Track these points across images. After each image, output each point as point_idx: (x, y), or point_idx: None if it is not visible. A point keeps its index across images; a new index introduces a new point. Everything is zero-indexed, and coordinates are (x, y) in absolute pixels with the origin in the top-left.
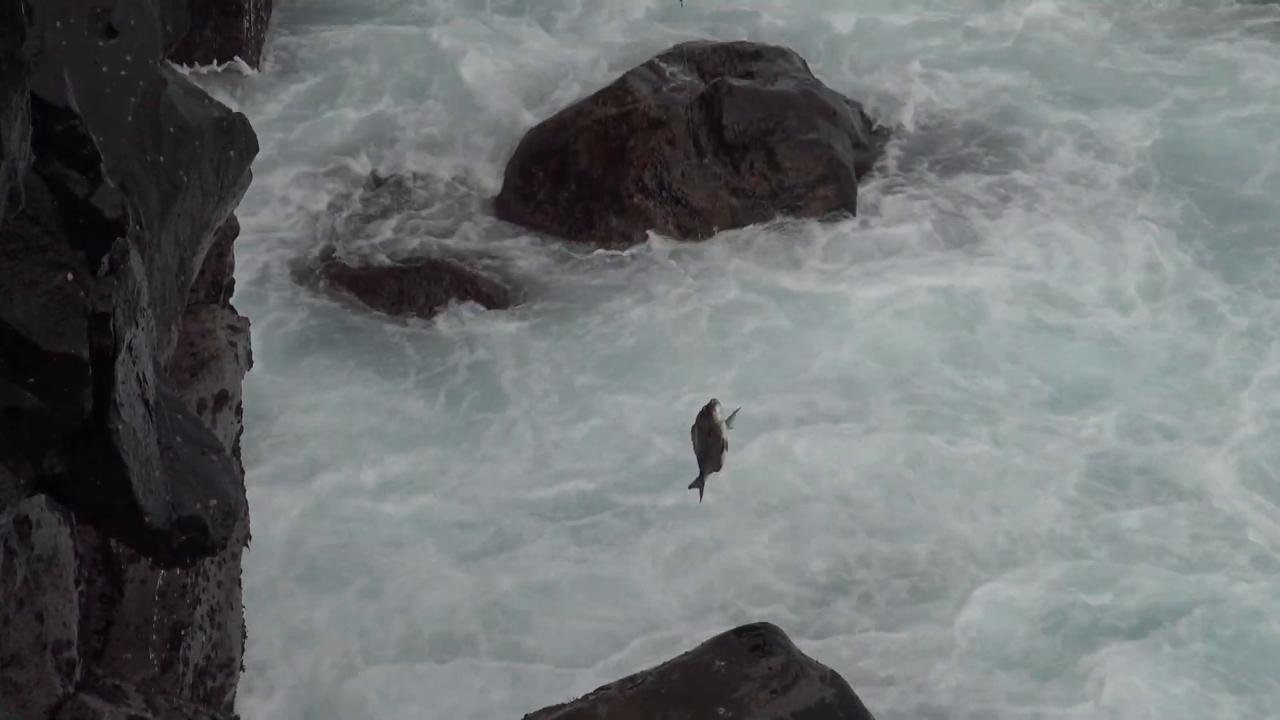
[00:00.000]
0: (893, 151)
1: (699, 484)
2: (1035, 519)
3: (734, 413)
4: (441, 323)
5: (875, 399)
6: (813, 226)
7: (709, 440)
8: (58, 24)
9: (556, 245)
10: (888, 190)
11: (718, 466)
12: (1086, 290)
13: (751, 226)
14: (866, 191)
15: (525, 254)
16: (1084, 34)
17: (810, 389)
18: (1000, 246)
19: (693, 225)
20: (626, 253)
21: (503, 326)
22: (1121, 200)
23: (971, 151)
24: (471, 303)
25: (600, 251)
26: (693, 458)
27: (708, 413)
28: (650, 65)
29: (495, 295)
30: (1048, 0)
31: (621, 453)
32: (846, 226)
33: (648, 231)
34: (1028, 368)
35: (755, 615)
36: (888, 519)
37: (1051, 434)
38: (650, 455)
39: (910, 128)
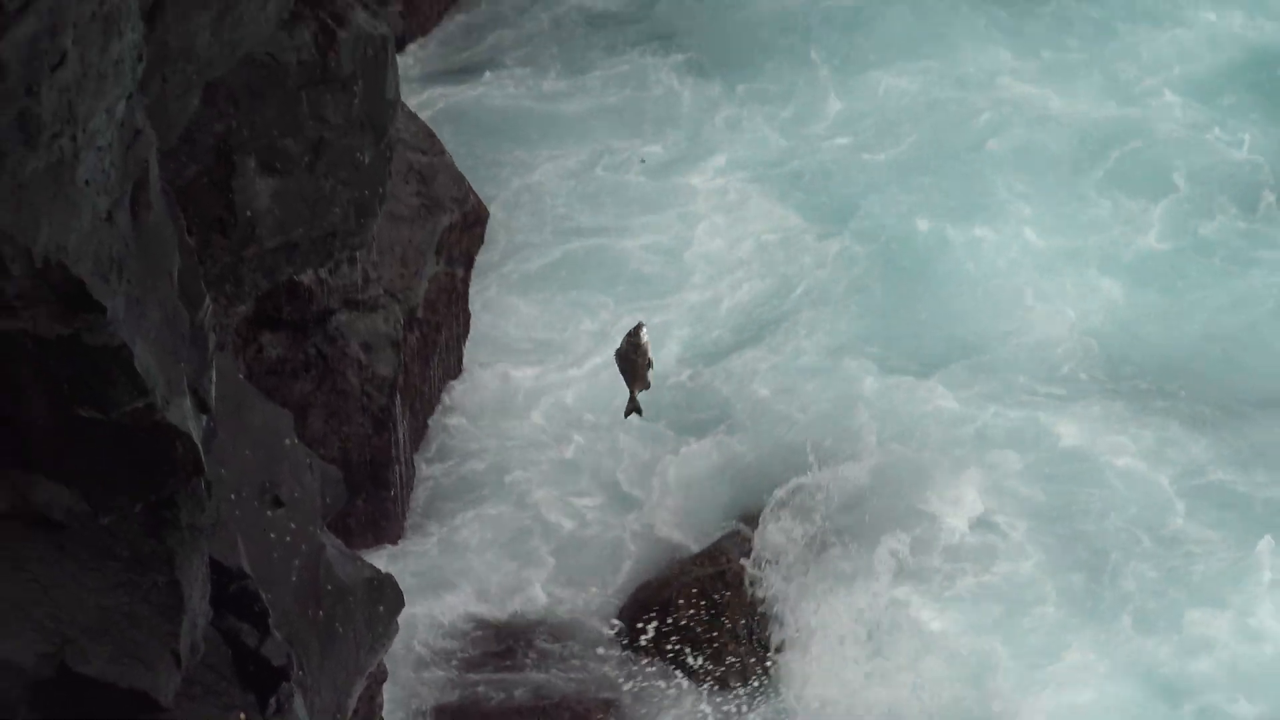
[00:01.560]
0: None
1: (633, 407)
2: None
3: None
4: None
5: None
6: None
7: (637, 361)
8: (232, 496)
9: (672, 693)
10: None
11: (647, 385)
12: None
13: None
14: None
15: (641, 701)
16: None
17: None
18: None
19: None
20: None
21: None
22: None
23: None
24: None
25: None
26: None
27: (635, 334)
28: (737, 530)
29: None
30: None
31: None
32: None
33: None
34: None
35: None
36: None
37: None
38: None
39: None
